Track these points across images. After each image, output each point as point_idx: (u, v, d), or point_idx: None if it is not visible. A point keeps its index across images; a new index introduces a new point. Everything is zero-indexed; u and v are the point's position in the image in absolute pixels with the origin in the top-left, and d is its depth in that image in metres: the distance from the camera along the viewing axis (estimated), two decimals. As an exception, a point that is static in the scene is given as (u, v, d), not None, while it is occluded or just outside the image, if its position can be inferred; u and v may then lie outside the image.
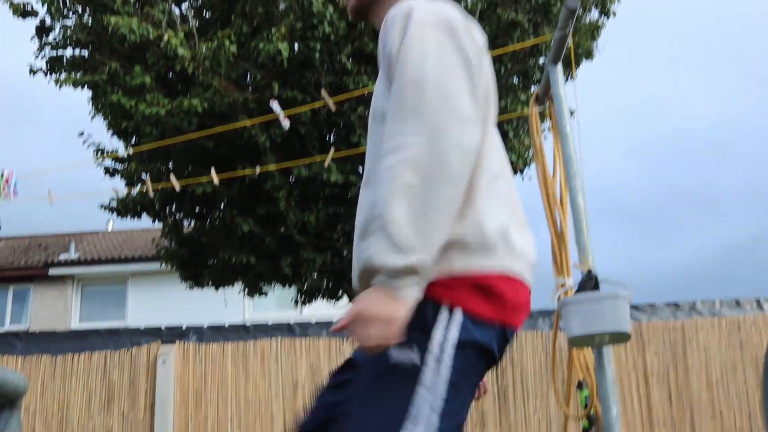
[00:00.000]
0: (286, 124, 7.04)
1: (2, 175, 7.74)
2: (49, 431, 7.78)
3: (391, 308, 1.51)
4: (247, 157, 9.38)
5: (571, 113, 4.52)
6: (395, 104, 1.59)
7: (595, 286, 3.40)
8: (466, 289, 1.63)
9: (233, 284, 10.88)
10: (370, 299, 1.52)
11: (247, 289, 10.86)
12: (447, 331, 1.61)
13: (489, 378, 7.82)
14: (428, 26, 1.63)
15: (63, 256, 20.05)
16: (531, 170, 10.20)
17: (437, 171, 1.54)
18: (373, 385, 1.63)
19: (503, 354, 1.75)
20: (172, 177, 7.81)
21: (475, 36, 1.71)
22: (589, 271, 3.42)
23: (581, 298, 3.29)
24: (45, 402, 7.87)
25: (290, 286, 10.63)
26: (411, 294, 1.53)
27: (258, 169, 8.29)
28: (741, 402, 7.89)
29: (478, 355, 1.66)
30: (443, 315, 1.62)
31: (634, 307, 8.70)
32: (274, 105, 7.00)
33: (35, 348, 8.45)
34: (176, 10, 9.67)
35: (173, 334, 8.55)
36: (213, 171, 7.57)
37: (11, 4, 9.74)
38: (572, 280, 3.71)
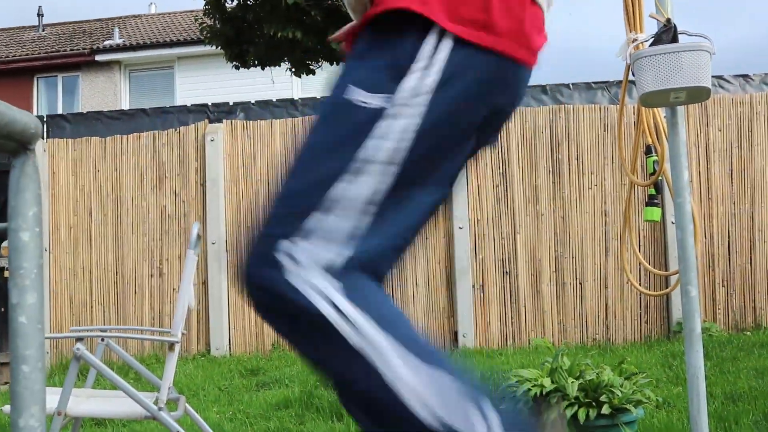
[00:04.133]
0: None
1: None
2: (105, 210, 7.88)
3: None
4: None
5: None
6: None
7: (674, 38, 3.05)
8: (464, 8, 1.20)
9: (280, 63, 10.64)
10: None
11: (294, 68, 10.61)
12: (433, 56, 1.18)
13: (542, 152, 7.59)
14: None
15: (108, 42, 19.81)
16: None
17: None
18: (321, 119, 1.22)
19: (514, 103, 1.32)
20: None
21: None
22: (668, 20, 3.05)
23: (658, 50, 2.95)
24: (99, 183, 7.93)
25: (339, 63, 10.33)
26: None
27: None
28: (806, 178, 7.61)
29: (475, 97, 1.22)
30: (428, 41, 1.19)
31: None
32: None
33: (85, 131, 8.43)
34: None
35: (220, 112, 8.41)
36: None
37: None
38: (645, 35, 3.35)
